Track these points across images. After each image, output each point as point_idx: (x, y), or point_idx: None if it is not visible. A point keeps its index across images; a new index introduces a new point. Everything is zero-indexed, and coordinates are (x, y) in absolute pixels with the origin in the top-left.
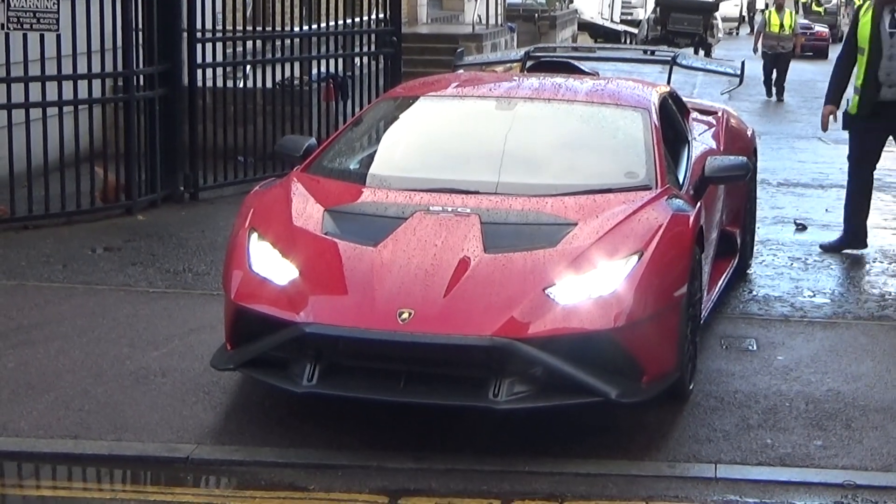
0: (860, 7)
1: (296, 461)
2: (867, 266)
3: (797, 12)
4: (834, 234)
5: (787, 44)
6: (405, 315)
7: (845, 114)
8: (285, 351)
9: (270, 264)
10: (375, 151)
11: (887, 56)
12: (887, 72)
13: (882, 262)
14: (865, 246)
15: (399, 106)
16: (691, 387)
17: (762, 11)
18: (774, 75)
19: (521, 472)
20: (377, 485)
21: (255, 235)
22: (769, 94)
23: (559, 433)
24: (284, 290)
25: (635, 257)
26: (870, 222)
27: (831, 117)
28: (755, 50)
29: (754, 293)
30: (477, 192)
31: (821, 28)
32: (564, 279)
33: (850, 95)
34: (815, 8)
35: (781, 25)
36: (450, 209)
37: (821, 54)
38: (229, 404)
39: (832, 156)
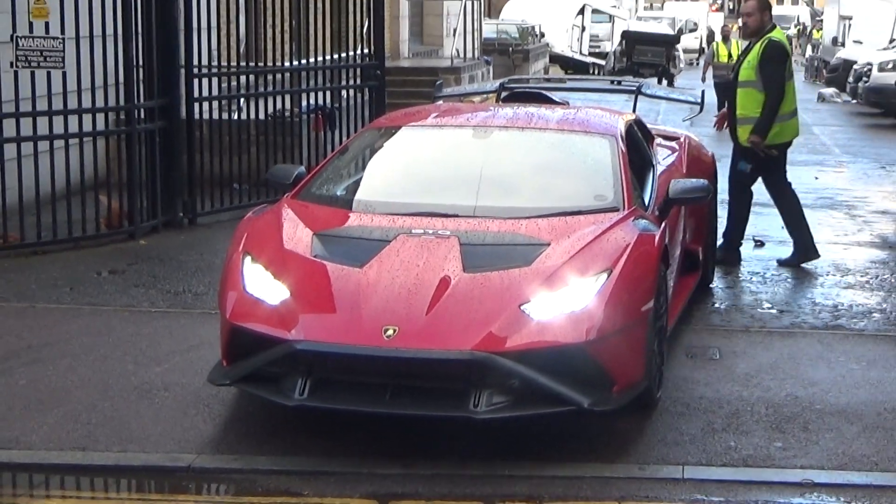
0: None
1: (290, 468)
2: (821, 279)
3: (726, 40)
4: (790, 250)
5: None
6: (390, 332)
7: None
8: (278, 367)
9: (263, 285)
10: (360, 178)
11: None
12: None
13: (835, 276)
14: (818, 255)
15: (382, 135)
16: (658, 395)
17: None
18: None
19: (501, 476)
20: (367, 489)
21: (248, 258)
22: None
23: (537, 439)
24: (276, 309)
25: (605, 275)
26: (823, 238)
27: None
28: (703, 79)
29: (717, 306)
30: (456, 216)
31: None
32: (539, 296)
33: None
34: None
35: (729, 55)
36: (431, 232)
37: None
38: (228, 416)
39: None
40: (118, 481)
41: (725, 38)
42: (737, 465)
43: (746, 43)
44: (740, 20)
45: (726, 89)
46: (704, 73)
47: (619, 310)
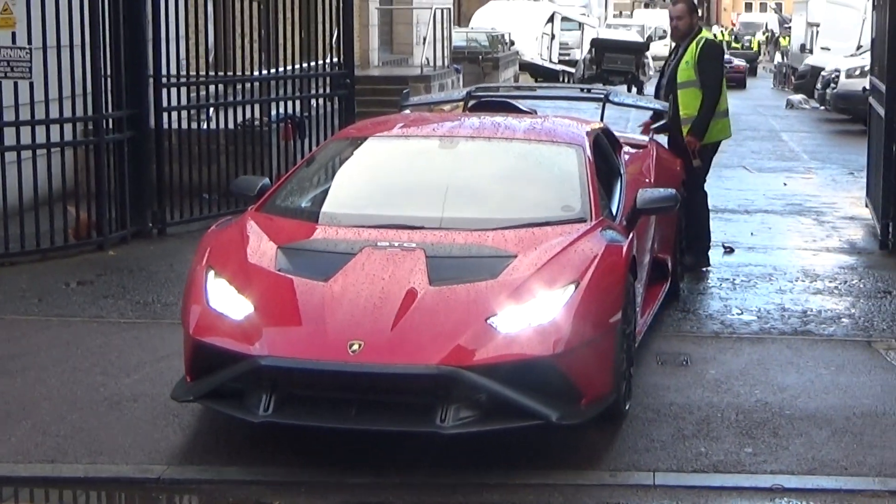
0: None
1: (261, 479)
2: (790, 285)
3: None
4: (759, 256)
5: None
6: (355, 346)
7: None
8: (242, 382)
9: (227, 300)
10: (326, 190)
11: None
12: None
13: (804, 281)
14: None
15: (349, 146)
16: (627, 407)
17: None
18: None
19: (472, 484)
20: (337, 499)
21: (212, 273)
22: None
23: (507, 447)
24: (240, 324)
25: (572, 287)
26: (791, 244)
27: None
28: None
29: (687, 312)
30: (422, 228)
31: (738, 62)
32: (506, 309)
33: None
34: (734, 45)
35: None
36: (396, 244)
37: (739, 84)
38: (197, 427)
39: (756, 183)
40: (88, 493)
41: None
42: (707, 471)
43: (674, 45)
44: (670, 24)
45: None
46: None
47: (586, 322)
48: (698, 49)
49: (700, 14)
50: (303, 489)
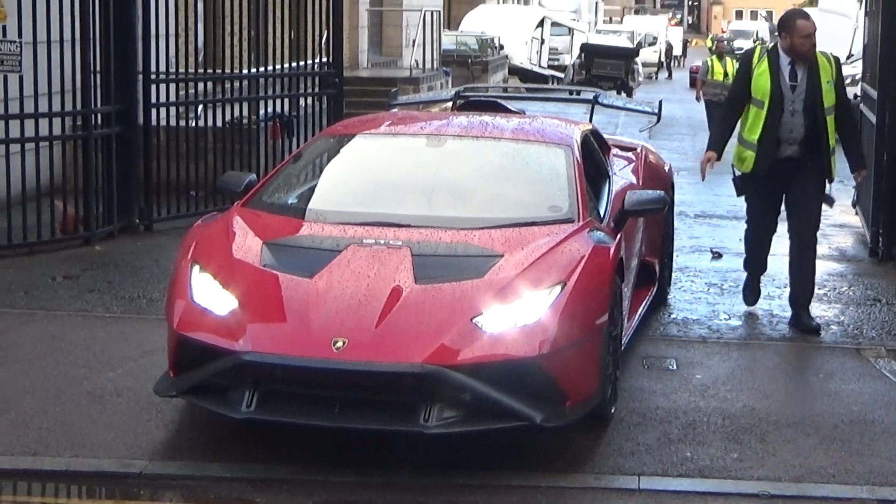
0: (750, 55)
1: (243, 475)
2: (779, 291)
3: (721, 58)
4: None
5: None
6: (339, 344)
7: (739, 177)
8: (225, 378)
9: (211, 295)
10: (312, 187)
11: (789, 112)
12: (789, 128)
13: None
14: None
15: (335, 143)
16: (612, 410)
17: (668, 58)
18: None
19: (455, 485)
20: (321, 498)
21: (196, 267)
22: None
23: (492, 448)
24: (224, 320)
25: (558, 287)
26: (781, 251)
27: (709, 165)
28: (698, 98)
29: (674, 316)
30: (408, 226)
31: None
32: (491, 308)
33: (732, 153)
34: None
35: (725, 73)
36: (382, 242)
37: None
38: (180, 422)
39: None
40: (69, 487)
41: (720, 56)
42: (693, 475)
43: (787, 70)
44: (782, 41)
45: (718, 108)
46: (699, 91)
47: (572, 323)
48: (836, 67)
49: (687, 20)
50: (285, 486)
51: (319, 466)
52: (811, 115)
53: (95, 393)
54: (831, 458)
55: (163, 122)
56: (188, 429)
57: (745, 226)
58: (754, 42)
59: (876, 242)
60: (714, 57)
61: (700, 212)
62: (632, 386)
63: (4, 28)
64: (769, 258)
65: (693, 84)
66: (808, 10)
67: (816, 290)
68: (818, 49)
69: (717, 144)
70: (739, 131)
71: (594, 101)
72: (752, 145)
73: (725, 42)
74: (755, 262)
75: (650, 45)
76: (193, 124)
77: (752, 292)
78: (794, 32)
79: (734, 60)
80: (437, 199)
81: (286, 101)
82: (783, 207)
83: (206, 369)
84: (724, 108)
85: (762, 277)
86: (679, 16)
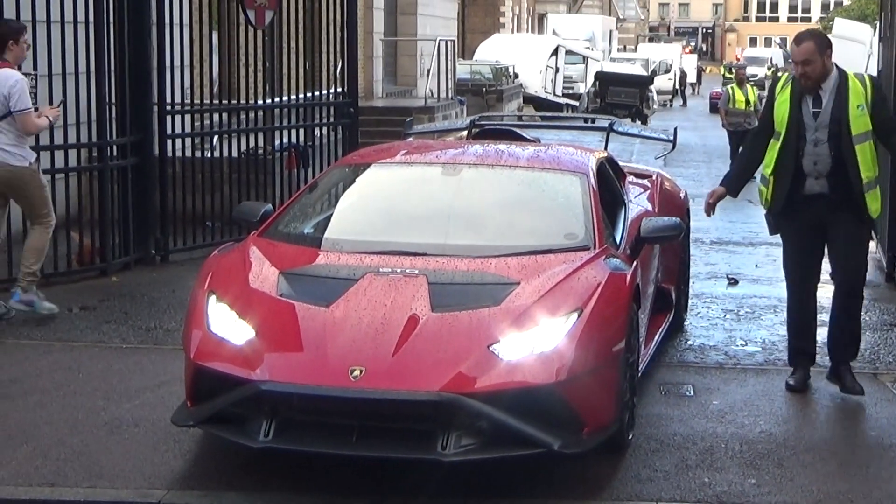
0: (775, 83)
1: None
2: None
3: (741, 84)
4: (764, 288)
5: (752, 120)
6: (356, 372)
7: (767, 215)
8: (242, 408)
9: (228, 325)
10: (329, 216)
11: (812, 142)
12: (813, 160)
13: None
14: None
15: (351, 172)
16: (630, 437)
17: (683, 86)
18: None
19: None
20: None
21: (213, 297)
22: None
23: (509, 475)
24: (241, 349)
25: (575, 314)
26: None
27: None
28: (724, 125)
29: (690, 343)
30: (425, 254)
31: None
32: (508, 336)
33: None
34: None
35: (747, 101)
36: (399, 270)
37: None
38: (198, 452)
39: (760, 216)
40: None
41: (741, 83)
42: (711, 501)
43: (811, 96)
44: (795, 69)
45: (742, 138)
46: (723, 119)
47: (589, 350)
48: (871, 88)
49: (701, 48)
50: None
51: (336, 494)
52: (836, 144)
53: (113, 423)
54: (849, 483)
55: (178, 153)
56: (206, 458)
57: (756, 250)
58: (768, 69)
59: (892, 267)
60: (735, 85)
61: (716, 238)
62: (649, 412)
63: None
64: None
65: (713, 109)
66: None
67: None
68: (851, 71)
69: (731, 181)
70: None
71: (609, 129)
72: (765, 180)
73: (745, 69)
74: (796, 326)
75: (665, 72)
76: (209, 155)
77: (797, 369)
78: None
79: (754, 88)
80: (452, 227)
81: (301, 131)
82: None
83: (223, 399)
84: (748, 141)
85: (779, 303)
86: (693, 43)
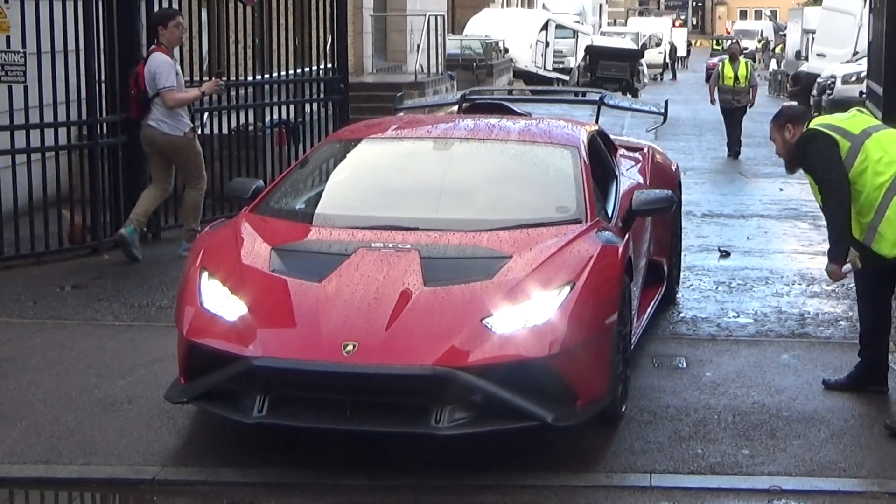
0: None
1: (256, 480)
2: (787, 288)
3: (734, 60)
4: (756, 260)
5: (742, 97)
6: (349, 347)
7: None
8: (236, 383)
9: (220, 301)
10: (320, 191)
11: None
12: None
13: (801, 285)
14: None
15: (342, 148)
16: (623, 409)
17: (673, 60)
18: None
19: (467, 486)
20: (333, 500)
21: (205, 274)
22: (731, 152)
23: (503, 448)
24: (234, 325)
25: (568, 287)
26: (788, 248)
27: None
28: (712, 101)
29: (683, 315)
30: (416, 229)
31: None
32: (501, 310)
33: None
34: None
35: (736, 78)
36: (391, 245)
37: None
38: (192, 428)
39: (752, 189)
40: (82, 494)
41: (733, 58)
42: (704, 472)
43: None
44: None
45: (731, 116)
46: (712, 94)
47: (582, 323)
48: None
49: (691, 21)
50: (297, 490)
51: (331, 469)
52: None
53: (107, 401)
54: (842, 453)
55: None
56: (200, 435)
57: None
58: (759, 42)
59: None
60: (727, 59)
61: (707, 211)
62: (642, 385)
63: (8, 38)
64: (778, 255)
65: (709, 79)
66: (812, 8)
67: (824, 286)
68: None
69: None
70: None
71: (600, 102)
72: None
73: (738, 43)
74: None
75: (655, 46)
76: (199, 132)
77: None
78: None
79: (747, 63)
80: (444, 201)
81: (292, 107)
82: None
83: (216, 375)
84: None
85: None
86: (683, 17)
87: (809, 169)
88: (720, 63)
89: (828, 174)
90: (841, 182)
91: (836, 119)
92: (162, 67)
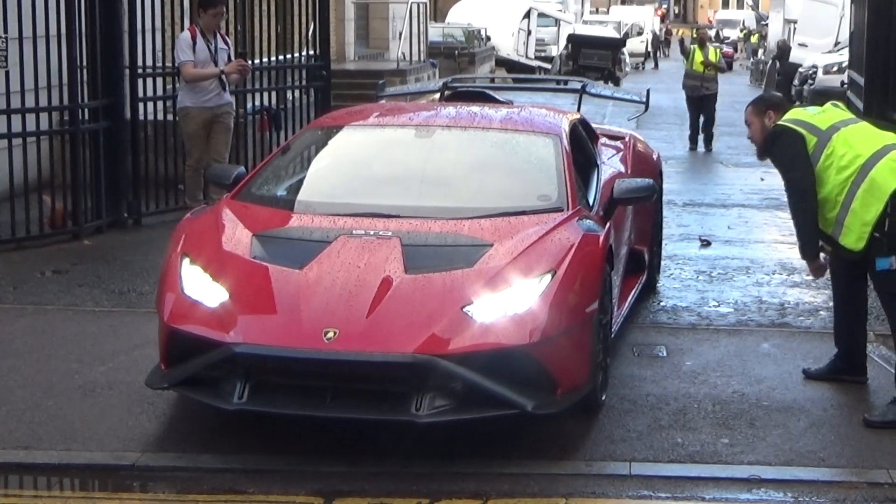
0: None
1: (235, 466)
2: (768, 278)
3: (703, 46)
4: (736, 249)
5: (711, 85)
6: (330, 334)
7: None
8: (216, 370)
9: (201, 287)
10: (301, 178)
11: None
12: None
13: (781, 274)
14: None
15: (324, 135)
16: (603, 397)
17: (656, 48)
18: (701, 121)
19: (447, 473)
20: (313, 487)
21: (186, 260)
22: (693, 145)
23: (483, 436)
24: (215, 311)
25: (548, 276)
26: (769, 237)
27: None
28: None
29: (663, 304)
30: (398, 216)
31: (727, 48)
32: (482, 298)
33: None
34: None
35: (704, 64)
36: (372, 232)
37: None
38: (173, 414)
39: (733, 178)
40: (62, 480)
41: (703, 44)
42: (684, 461)
43: None
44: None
45: (701, 104)
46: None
47: (563, 311)
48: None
49: (674, 10)
50: (277, 477)
51: (311, 456)
52: None
53: (87, 387)
54: (821, 442)
55: (150, 117)
56: (180, 421)
57: (729, 212)
58: (741, 31)
59: None
60: (696, 46)
61: (688, 200)
62: (622, 373)
63: None
64: (758, 245)
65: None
66: None
67: (804, 276)
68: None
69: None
70: None
71: (582, 91)
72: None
73: (707, 30)
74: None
75: (637, 35)
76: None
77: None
78: None
79: (717, 50)
80: (426, 189)
81: (273, 93)
82: None
83: (197, 361)
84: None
85: (751, 265)
86: (665, 6)
87: (775, 164)
88: (691, 48)
89: (791, 172)
90: (804, 180)
91: (806, 114)
92: (180, 44)
